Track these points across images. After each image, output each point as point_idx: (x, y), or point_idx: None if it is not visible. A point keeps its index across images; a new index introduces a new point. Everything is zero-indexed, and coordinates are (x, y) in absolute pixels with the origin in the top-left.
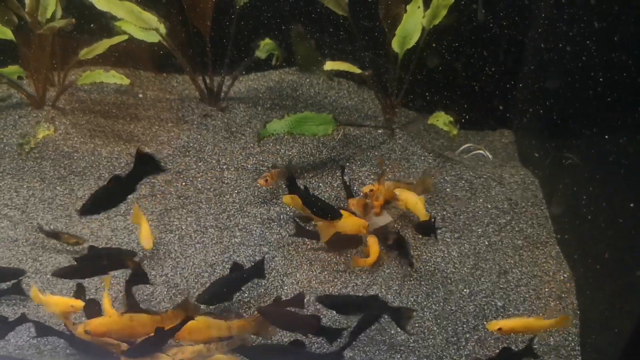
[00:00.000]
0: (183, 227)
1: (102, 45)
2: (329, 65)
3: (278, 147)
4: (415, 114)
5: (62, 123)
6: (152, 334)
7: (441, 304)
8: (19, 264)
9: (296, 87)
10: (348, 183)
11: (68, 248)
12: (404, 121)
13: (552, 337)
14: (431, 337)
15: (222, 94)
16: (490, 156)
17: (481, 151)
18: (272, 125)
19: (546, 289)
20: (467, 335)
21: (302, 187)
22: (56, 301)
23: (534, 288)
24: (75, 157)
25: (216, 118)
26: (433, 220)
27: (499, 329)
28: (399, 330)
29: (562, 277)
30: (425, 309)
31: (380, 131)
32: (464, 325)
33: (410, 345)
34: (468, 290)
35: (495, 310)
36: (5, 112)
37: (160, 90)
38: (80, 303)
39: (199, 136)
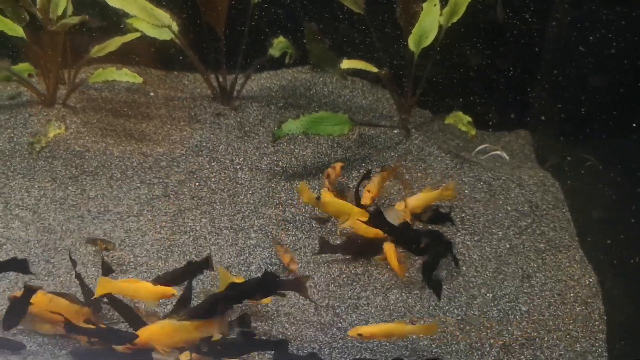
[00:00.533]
0: (197, 229)
1: (114, 43)
2: (346, 64)
3: (292, 147)
4: (429, 113)
5: (73, 122)
6: None
7: (464, 308)
8: (31, 265)
9: (310, 86)
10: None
11: (105, 254)
12: (419, 121)
13: (578, 344)
14: (454, 342)
15: (235, 92)
16: (507, 157)
17: (498, 152)
18: (287, 126)
19: (571, 294)
20: (492, 341)
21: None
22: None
23: (558, 293)
24: (87, 157)
25: (229, 117)
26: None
27: (359, 335)
28: (422, 335)
29: (587, 282)
30: (448, 314)
31: (395, 131)
32: (488, 331)
33: (433, 350)
34: (491, 295)
35: (519, 315)
36: (15, 110)
37: (171, 89)
38: (172, 290)
39: (211, 135)
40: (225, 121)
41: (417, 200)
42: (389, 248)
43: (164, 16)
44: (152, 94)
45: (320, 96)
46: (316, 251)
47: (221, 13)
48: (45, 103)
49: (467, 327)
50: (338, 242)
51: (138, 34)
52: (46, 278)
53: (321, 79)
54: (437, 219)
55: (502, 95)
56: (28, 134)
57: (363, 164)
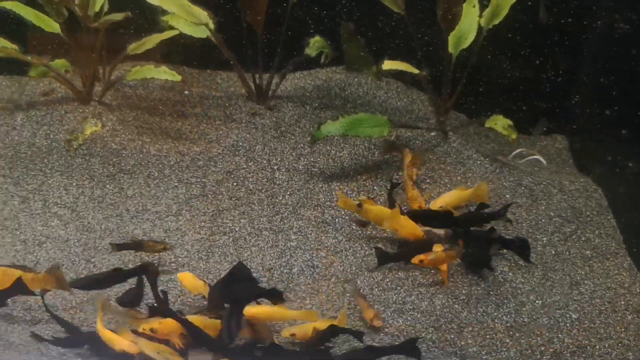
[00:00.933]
0: (237, 229)
1: (152, 40)
2: (387, 65)
3: (328, 148)
4: (463, 116)
5: (109, 119)
6: None
7: (513, 315)
8: (72, 265)
9: (344, 86)
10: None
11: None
12: (455, 124)
13: (630, 352)
14: (504, 349)
15: (270, 92)
16: (544, 162)
17: (536, 157)
18: (326, 127)
19: (622, 302)
20: (542, 348)
21: None
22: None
23: (609, 301)
24: (124, 155)
25: (265, 117)
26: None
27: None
28: (470, 340)
29: (637, 290)
30: (497, 320)
31: (433, 133)
32: (538, 338)
33: (483, 357)
34: (540, 302)
35: (570, 323)
36: (51, 107)
37: (205, 87)
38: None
39: (248, 135)
40: (261, 121)
41: (450, 197)
42: (440, 249)
43: (202, 14)
44: (186, 92)
45: (355, 97)
46: (373, 265)
47: (261, 13)
48: (81, 100)
49: (517, 334)
50: (391, 250)
51: (176, 32)
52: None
53: (356, 79)
54: (489, 216)
55: (538, 99)
56: (65, 131)
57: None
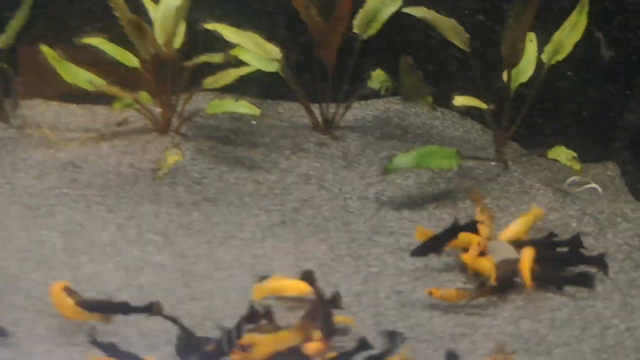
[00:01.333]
0: (319, 256)
1: (230, 75)
2: (458, 101)
3: (394, 177)
4: (516, 145)
5: (187, 149)
6: None
7: (598, 337)
8: (172, 289)
9: (403, 116)
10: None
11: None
12: (511, 154)
13: None
14: None
15: (334, 123)
16: (600, 190)
17: (592, 185)
18: (399, 159)
19: None
20: None
21: None
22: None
23: None
24: (205, 183)
25: (331, 147)
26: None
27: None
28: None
29: None
30: (583, 342)
31: (493, 164)
32: (626, 358)
33: None
34: (624, 326)
35: None
36: (132, 137)
37: (269, 118)
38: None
39: (318, 164)
40: (329, 150)
41: (520, 225)
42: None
43: (275, 50)
44: (253, 122)
45: (414, 127)
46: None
47: (333, 49)
48: (159, 130)
49: (604, 356)
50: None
51: (254, 68)
52: (190, 302)
53: (413, 109)
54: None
55: (590, 127)
56: (147, 160)
57: (462, 197)
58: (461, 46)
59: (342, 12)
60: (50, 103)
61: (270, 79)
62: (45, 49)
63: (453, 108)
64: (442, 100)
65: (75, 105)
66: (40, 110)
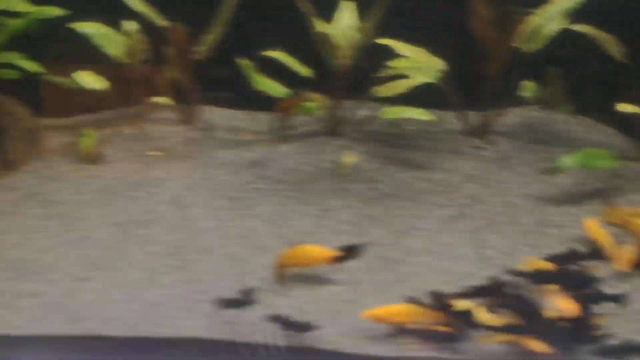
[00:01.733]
0: (498, 245)
1: (402, 85)
2: (621, 107)
3: (548, 177)
4: None
5: (358, 151)
6: None
7: None
8: (377, 271)
9: (547, 122)
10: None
11: None
12: None
13: None
14: None
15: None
16: None
17: None
18: (566, 159)
19: None
20: None
21: None
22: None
23: None
24: (380, 181)
25: (487, 150)
26: None
27: None
28: None
29: None
30: None
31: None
32: None
33: None
34: None
35: None
36: (304, 139)
37: (419, 123)
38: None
39: (479, 165)
40: (486, 153)
41: None
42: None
43: (438, 62)
44: (410, 127)
45: (559, 132)
46: None
47: (501, 62)
48: (331, 134)
49: None
50: None
51: (424, 80)
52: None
53: (553, 116)
54: None
55: None
56: (325, 160)
57: (618, 194)
58: (617, 57)
59: (516, 29)
60: (218, 109)
61: (422, 89)
62: (243, 62)
63: (592, 116)
64: (582, 109)
65: (239, 111)
66: (213, 115)
